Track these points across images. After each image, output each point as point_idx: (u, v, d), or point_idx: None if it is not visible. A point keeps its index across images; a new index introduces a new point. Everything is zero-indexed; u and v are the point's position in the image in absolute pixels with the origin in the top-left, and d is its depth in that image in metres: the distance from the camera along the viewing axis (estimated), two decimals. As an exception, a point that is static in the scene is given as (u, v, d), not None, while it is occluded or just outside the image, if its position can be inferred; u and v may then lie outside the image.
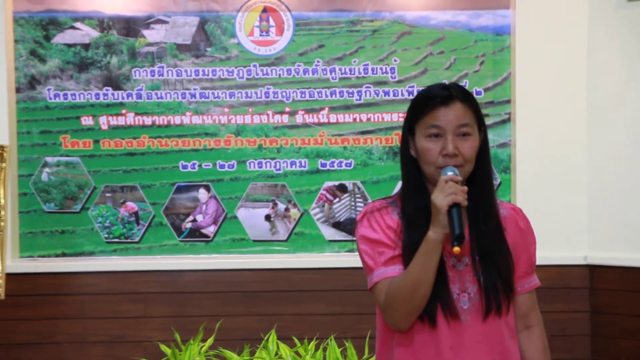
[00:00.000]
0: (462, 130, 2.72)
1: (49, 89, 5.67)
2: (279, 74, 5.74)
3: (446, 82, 2.82)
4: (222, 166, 5.72)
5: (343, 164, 5.74)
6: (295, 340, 5.29)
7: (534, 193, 5.66)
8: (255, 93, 5.73)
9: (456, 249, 2.58)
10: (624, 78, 5.57)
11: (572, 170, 5.74)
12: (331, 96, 5.75)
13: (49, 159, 5.68)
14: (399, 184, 5.72)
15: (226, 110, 5.73)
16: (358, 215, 2.88)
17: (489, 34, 5.77)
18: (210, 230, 5.73)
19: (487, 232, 2.76)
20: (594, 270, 5.65)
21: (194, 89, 5.71)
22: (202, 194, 5.73)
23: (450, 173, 2.67)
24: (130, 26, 5.72)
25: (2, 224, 5.10)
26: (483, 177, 2.79)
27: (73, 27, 5.69)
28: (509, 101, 5.75)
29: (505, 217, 2.84)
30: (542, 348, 2.88)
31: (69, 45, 5.69)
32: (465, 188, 2.65)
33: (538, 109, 5.74)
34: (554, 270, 5.56)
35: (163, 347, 5.23)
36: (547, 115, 5.74)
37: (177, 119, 5.71)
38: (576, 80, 5.72)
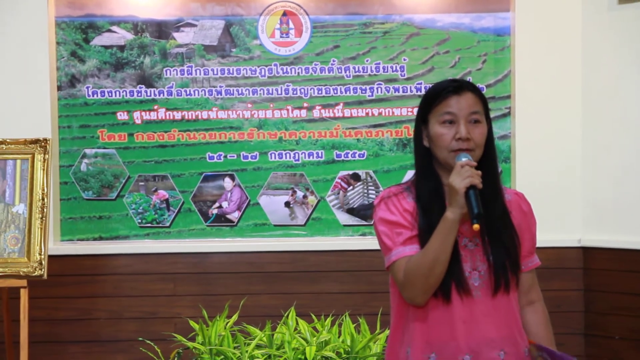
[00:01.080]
0: (473, 117, 2.77)
1: (87, 87, 5.70)
2: (298, 73, 5.76)
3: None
4: (245, 157, 5.75)
5: (356, 155, 5.77)
6: (313, 316, 5.32)
7: (532, 181, 5.67)
8: (276, 90, 5.76)
9: (476, 226, 2.62)
10: (615, 75, 5.57)
11: (568, 160, 5.75)
12: (345, 92, 5.77)
13: (87, 151, 5.71)
14: (408, 173, 5.88)
15: (249, 105, 5.75)
16: (375, 199, 2.87)
17: (491, 35, 5.78)
18: (234, 215, 5.77)
19: (494, 214, 2.79)
20: (587, 252, 5.65)
21: (220, 87, 5.74)
22: (227, 183, 5.76)
23: (464, 159, 2.70)
24: (162, 29, 5.73)
25: (45, 210, 4.97)
26: (489, 163, 2.82)
27: (110, 30, 5.72)
28: (509, 96, 5.76)
29: (510, 201, 2.88)
30: (545, 321, 2.93)
31: (106, 47, 5.72)
32: (480, 172, 2.68)
33: (536, 103, 5.75)
34: (551, 252, 5.50)
35: (192, 323, 5.25)
36: (544, 109, 5.76)
37: (204, 114, 5.73)
38: (571, 77, 5.73)
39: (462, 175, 2.66)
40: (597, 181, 5.69)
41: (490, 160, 2.84)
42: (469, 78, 5.72)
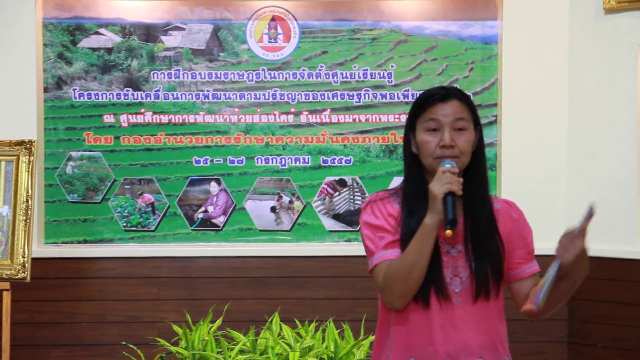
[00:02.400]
0: (459, 124, 2.76)
1: (74, 89, 5.68)
2: (286, 78, 5.76)
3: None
4: (232, 161, 5.75)
5: (343, 161, 5.76)
6: (297, 322, 5.28)
7: (517, 188, 5.65)
8: (264, 95, 5.76)
9: (448, 232, 2.62)
10: (601, 83, 5.58)
11: (553, 168, 5.74)
12: (333, 98, 5.77)
13: (73, 153, 5.69)
14: (394, 179, 5.87)
15: (236, 110, 5.74)
16: (363, 203, 2.87)
17: (478, 43, 5.79)
18: (220, 220, 5.76)
19: (480, 221, 2.78)
20: (572, 260, 5.72)
21: (207, 91, 5.73)
22: (213, 187, 5.75)
23: (447, 165, 2.69)
24: (150, 32, 5.73)
25: (30, 212, 4.98)
26: (478, 171, 2.82)
27: (97, 33, 5.70)
28: (495, 104, 5.77)
29: (499, 210, 2.86)
30: None
31: (94, 49, 5.70)
32: (461, 179, 2.68)
33: (522, 111, 5.75)
34: (535, 260, 5.56)
35: (175, 327, 5.21)
36: (531, 117, 5.75)
37: (191, 118, 5.72)
38: (558, 85, 5.73)
39: (442, 181, 2.66)
40: (582, 189, 5.68)
41: (479, 168, 2.83)
42: (457, 85, 5.71)
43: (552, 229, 5.68)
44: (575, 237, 2.69)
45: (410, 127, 2.84)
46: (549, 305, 2.79)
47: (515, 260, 2.87)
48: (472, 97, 5.71)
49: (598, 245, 5.55)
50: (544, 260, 5.89)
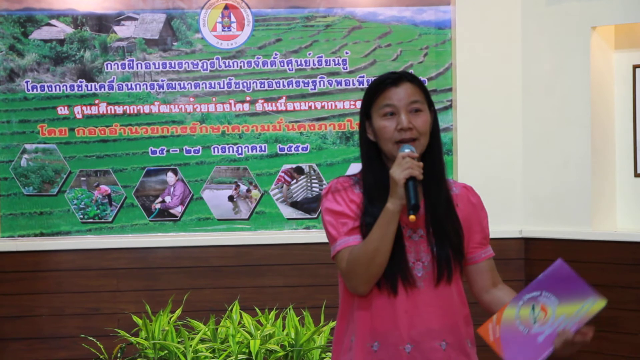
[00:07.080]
0: (414, 106, 2.76)
1: (27, 82, 5.66)
2: (240, 66, 5.76)
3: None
4: (188, 151, 5.74)
5: (300, 148, 5.78)
6: (257, 310, 5.32)
7: (473, 173, 5.67)
8: (219, 84, 5.75)
9: (412, 217, 2.62)
10: (554, 67, 5.62)
11: (509, 151, 5.77)
12: (288, 86, 5.78)
13: (27, 146, 5.67)
14: (351, 166, 5.88)
15: (192, 99, 5.74)
16: (324, 189, 2.86)
17: (432, 28, 5.81)
18: (177, 210, 5.76)
19: (439, 204, 2.79)
20: (529, 243, 5.71)
21: (162, 80, 5.72)
22: (170, 177, 5.75)
23: (407, 150, 2.69)
24: (102, 23, 5.71)
25: None
26: (434, 153, 2.82)
27: (49, 24, 5.67)
28: (450, 89, 5.80)
29: (457, 194, 2.87)
30: (513, 293, 2.85)
31: (46, 41, 5.67)
32: (421, 164, 2.68)
33: (477, 96, 5.77)
34: (493, 243, 5.27)
35: (135, 318, 5.23)
36: (485, 101, 5.78)
37: (146, 108, 5.72)
38: (511, 69, 5.75)
39: (402, 167, 2.66)
40: (537, 172, 5.74)
41: (435, 151, 2.83)
42: (411, 71, 5.64)
43: (507, 213, 5.77)
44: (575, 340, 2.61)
45: (365, 115, 2.84)
46: None
47: (472, 245, 2.88)
48: (426, 82, 5.76)
49: (553, 227, 5.63)
50: (500, 244, 5.96)
